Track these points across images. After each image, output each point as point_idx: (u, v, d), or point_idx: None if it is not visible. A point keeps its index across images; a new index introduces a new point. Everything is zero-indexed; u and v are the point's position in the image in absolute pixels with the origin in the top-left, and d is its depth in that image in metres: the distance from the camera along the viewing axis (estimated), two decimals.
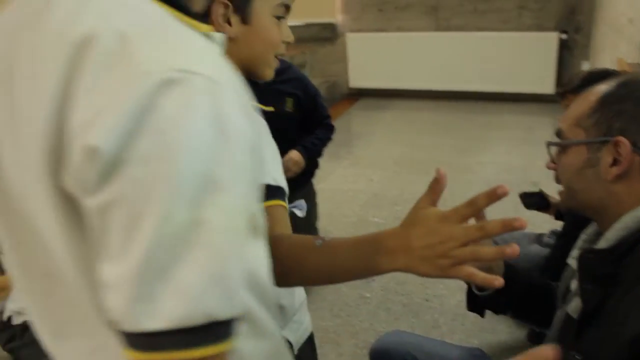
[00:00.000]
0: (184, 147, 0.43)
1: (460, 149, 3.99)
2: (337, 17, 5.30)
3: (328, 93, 5.31)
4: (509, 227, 0.61)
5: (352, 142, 4.42)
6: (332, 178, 3.63)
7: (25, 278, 0.60)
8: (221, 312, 0.45)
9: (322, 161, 2.38)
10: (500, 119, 4.57)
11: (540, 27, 4.69)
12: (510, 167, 3.58)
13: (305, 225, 2.27)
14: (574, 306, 0.90)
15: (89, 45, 0.45)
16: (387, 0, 5.10)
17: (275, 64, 0.97)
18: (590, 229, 1.01)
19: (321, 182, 3.48)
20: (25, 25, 0.51)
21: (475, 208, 0.65)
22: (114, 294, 0.44)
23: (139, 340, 0.44)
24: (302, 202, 1.15)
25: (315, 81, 5.18)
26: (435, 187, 0.68)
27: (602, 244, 0.88)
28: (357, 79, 5.43)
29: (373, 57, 5.25)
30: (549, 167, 1.02)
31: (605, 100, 0.90)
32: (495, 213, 0.61)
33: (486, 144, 4.05)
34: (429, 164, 3.66)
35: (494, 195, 0.62)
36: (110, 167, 0.42)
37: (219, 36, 0.59)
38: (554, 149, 0.99)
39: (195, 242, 0.44)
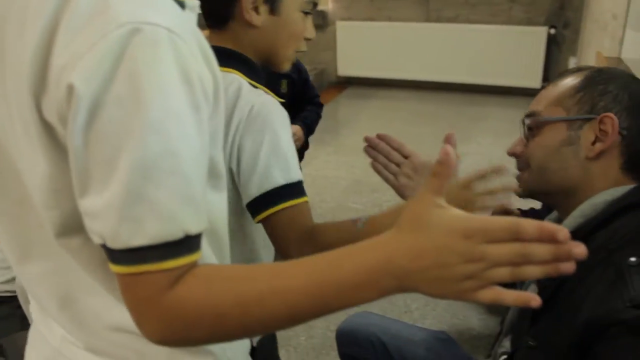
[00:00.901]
0: (154, 88, 0.49)
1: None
2: (328, 5, 5.27)
3: (316, 80, 5.28)
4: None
5: (338, 130, 4.42)
6: (315, 163, 3.64)
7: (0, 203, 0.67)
8: (193, 227, 0.53)
9: None
10: (487, 112, 4.58)
11: (530, 22, 4.69)
12: (492, 158, 3.59)
13: None
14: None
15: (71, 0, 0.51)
16: None
17: (293, 58, 0.98)
18: (553, 216, 1.02)
19: (304, 167, 3.48)
20: None
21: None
22: (102, 219, 0.51)
23: (125, 256, 0.52)
24: None
25: None
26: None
27: None
28: (346, 67, 5.40)
29: (362, 46, 5.22)
30: (510, 153, 1.03)
31: (590, 80, 0.91)
32: None
33: (471, 135, 4.06)
34: None
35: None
36: (90, 109, 0.49)
37: (193, 3, 0.63)
38: (526, 130, 0.99)
39: (169, 169, 0.51)
